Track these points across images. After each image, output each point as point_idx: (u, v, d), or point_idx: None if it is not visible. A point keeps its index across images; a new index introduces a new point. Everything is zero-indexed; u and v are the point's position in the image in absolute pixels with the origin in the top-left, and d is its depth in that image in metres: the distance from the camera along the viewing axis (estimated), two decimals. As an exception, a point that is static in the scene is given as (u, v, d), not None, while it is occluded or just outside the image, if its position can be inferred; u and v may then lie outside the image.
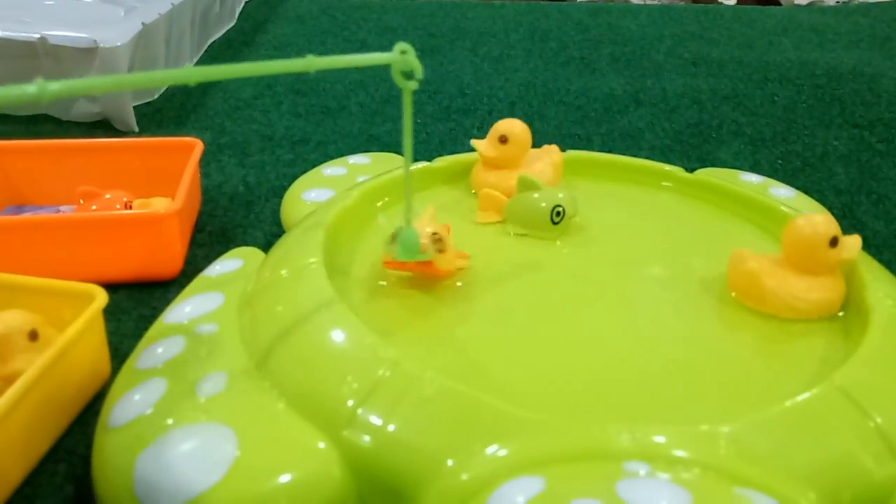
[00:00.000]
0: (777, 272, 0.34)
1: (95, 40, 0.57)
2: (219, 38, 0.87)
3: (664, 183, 0.45)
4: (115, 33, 0.59)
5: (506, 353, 0.31)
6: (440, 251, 0.34)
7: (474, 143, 0.43)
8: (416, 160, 0.53)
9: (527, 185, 0.39)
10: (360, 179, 0.46)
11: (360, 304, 0.33)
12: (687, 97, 0.72)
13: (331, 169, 0.48)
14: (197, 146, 0.48)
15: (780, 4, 2.33)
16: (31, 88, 0.20)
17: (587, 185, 0.45)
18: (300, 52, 0.91)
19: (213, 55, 0.82)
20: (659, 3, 2.20)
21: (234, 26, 0.92)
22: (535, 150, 0.43)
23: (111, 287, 0.42)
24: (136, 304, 0.41)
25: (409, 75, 0.31)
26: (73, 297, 0.34)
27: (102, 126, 0.63)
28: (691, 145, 0.63)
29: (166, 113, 0.66)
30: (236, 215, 0.51)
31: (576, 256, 0.38)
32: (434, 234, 0.33)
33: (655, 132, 0.65)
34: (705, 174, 0.49)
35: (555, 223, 0.38)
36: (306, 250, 0.34)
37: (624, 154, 0.61)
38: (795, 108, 0.70)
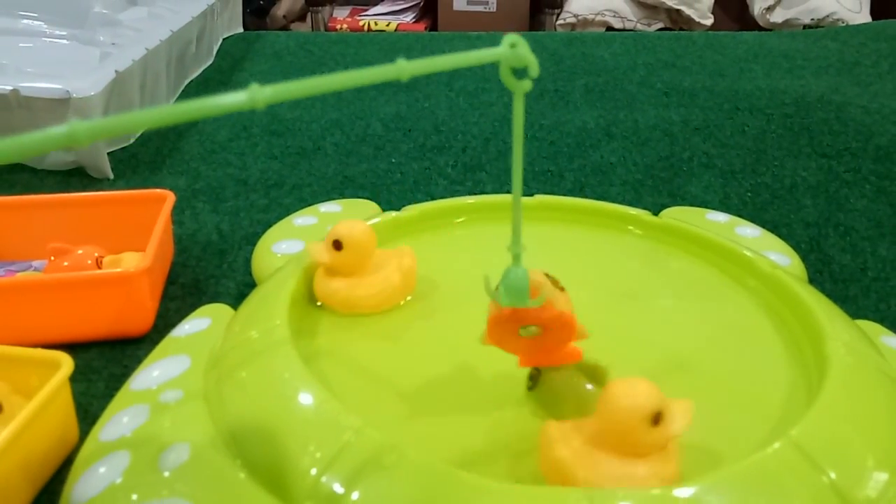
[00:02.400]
0: (590, 457, 0.26)
1: (68, 91, 0.57)
2: (196, 78, 0.88)
3: (630, 227, 0.45)
4: (88, 83, 0.59)
5: (471, 416, 0.31)
6: (561, 290, 0.29)
7: (310, 247, 0.38)
8: (387, 202, 0.54)
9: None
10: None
11: (326, 367, 0.33)
12: (658, 129, 0.73)
13: (302, 219, 0.48)
14: (168, 198, 0.48)
15: (759, 28, 2.36)
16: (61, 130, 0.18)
17: (554, 230, 0.46)
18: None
19: (189, 95, 0.82)
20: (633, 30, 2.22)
21: (211, 64, 0.93)
22: (386, 252, 0.39)
23: (82, 346, 0.42)
24: (106, 363, 0.41)
25: (520, 73, 0.27)
26: (40, 364, 0.34)
27: (77, 174, 0.63)
28: (662, 179, 0.64)
29: (141, 158, 0.66)
30: (209, 265, 0.51)
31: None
32: (548, 274, 0.29)
33: (627, 166, 0.66)
34: (672, 214, 0.50)
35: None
36: (271, 311, 0.34)
37: (596, 189, 0.62)
38: (765, 138, 0.71)
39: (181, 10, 0.84)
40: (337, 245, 0.37)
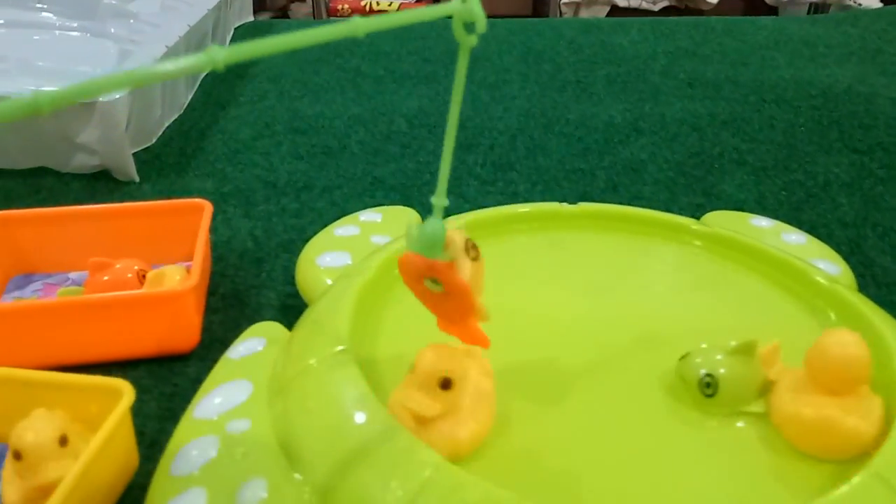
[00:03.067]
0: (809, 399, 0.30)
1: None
2: (210, 71, 0.86)
3: (680, 236, 0.45)
4: (113, 86, 0.58)
5: (556, 446, 0.31)
6: (474, 259, 0.29)
7: (406, 398, 0.30)
8: (420, 205, 0.53)
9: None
10: (375, 240, 0.46)
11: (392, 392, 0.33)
12: (686, 123, 0.73)
13: (342, 229, 0.47)
14: (206, 208, 0.47)
15: (766, 6, 2.33)
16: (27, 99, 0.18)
17: (601, 240, 0.46)
18: (295, 83, 0.90)
19: (206, 90, 0.81)
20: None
21: (225, 56, 0.91)
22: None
23: (129, 363, 0.42)
24: (156, 382, 0.41)
25: (470, 27, 0.27)
26: (100, 391, 0.33)
27: (103, 177, 0.62)
28: (695, 177, 0.63)
29: (166, 159, 0.65)
30: (247, 275, 0.50)
31: (592, 319, 0.38)
32: (468, 239, 0.29)
33: (658, 163, 0.65)
34: (715, 220, 0.49)
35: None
36: (332, 336, 0.34)
37: (629, 189, 0.62)
38: (794, 132, 0.70)
39: (195, 1, 0.83)
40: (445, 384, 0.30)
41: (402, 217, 0.50)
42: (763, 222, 0.49)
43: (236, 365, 0.36)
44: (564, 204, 0.47)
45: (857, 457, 0.29)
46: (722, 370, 0.32)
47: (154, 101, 0.66)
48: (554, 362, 0.35)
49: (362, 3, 2.33)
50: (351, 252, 0.45)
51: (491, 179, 0.63)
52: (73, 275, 0.48)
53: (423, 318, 0.34)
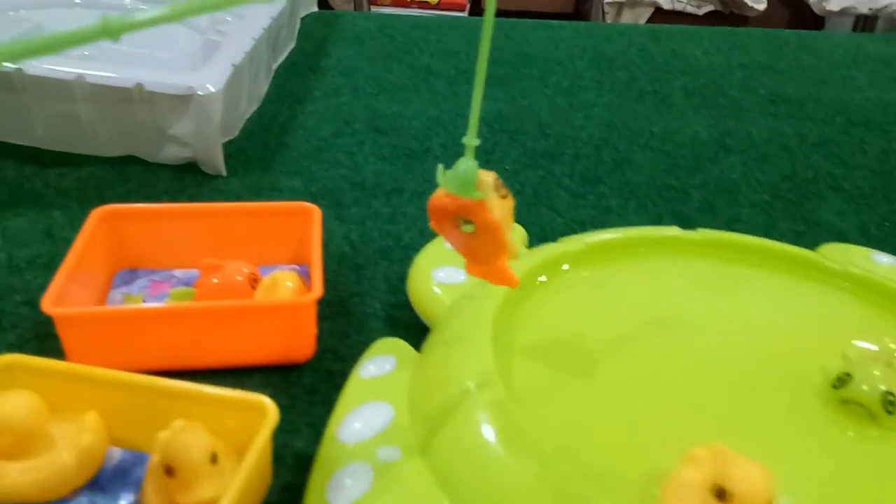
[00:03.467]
0: None
1: (192, 87, 0.56)
2: (283, 62, 0.85)
3: (807, 272, 0.44)
4: (210, 78, 0.57)
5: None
6: (503, 197, 0.30)
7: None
8: (523, 224, 0.52)
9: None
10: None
11: (540, 423, 0.32)
12: (774, 143, 0.71)
13: (454, 241, 0.46)
14: (315, 213, 0.47)
15: (813, 15, 2.29)
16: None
17: (719, 268, 0.44)
18: (368, 80, 0.89)
19: (280, 82, 0.80)
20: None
21: (295, 47, 0.90)
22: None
23: (245, 371, 0.41)
24: (273, 392, 0.40)
25: None
26: (240, 406, 0.33)
27: (191, 169, 0.61)
28: (791, 202, 0.62)
29: (251, 154, 0.64)
30: (348, 281, 0.49)
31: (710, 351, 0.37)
32: (498, 178, 0.30)
33: (751, 184, 0.64)
34: (832, 253, 0.48)
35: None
36: (475, 366, 0.33)
37: (725, 211, 0.60)
38: (888, 159, 0.69)
39: (272, -9, 0.81)
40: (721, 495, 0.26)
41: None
42: (884, 258, 0.48)
43: (369, 385, 0.35)
44: (685, 230, 0.46)
45: None
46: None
47: (241, 93, 0.65)
48: (701, 397, 0.34)
49: (404, -8, 2.31)
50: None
51: (581, 192, 0.62)
52: (178, 272, 0.47)
53: (558, 340, 0.34)
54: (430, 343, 0.37)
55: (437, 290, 0.43)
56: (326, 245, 0.53)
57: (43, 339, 0.43)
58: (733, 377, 0.36)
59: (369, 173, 0.63)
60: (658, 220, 0.59)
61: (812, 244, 0.49)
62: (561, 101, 0.80)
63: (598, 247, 0.43)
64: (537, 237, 0.53)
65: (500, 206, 0.30)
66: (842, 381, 0.33)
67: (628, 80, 0.86)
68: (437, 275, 0.43)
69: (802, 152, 0.70)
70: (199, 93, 0.56)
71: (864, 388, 0.33)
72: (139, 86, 0.55)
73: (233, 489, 0.28)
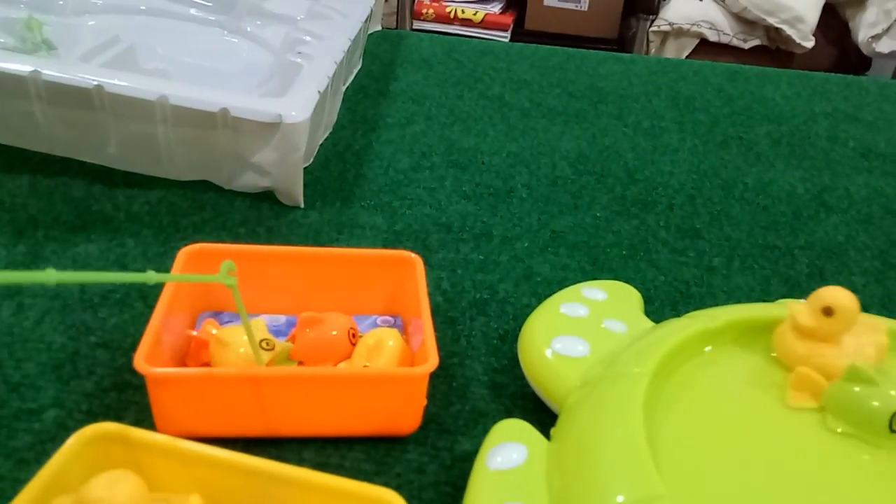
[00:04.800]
0: None
1: (280, 115, 0.52)
2: (351, 84, 0.82)
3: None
4: (298, 107, 0.54)
5: None
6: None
7: (792, 307, 0.37)
8: (617, 273, 0.48)
9: (858, 376, 0.33)
10: (607, 325, 0.41)
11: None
12: (876, 204, 0.67)
13: (568, 307, 0.43)
14: (418, 264, 0.43)
15: (861, 55, 2.26)
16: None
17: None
18: (440, 108, 0.86)
19: (350, 105, 0.77)
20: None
21: (361, 69, 0.87)
22: (859, 327, 0.37)
23: (343, 442, 0.37)
24: (377, 468, 0.36)
25: None
26: (366, 500, 0.29)
27: (268, 198, 0.58)
28: (905, 272, 0.58)
29: (328, 184, 0.61)
30: (446, 339, 0.46)
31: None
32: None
33: (859, 249, 0.60)
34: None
35: (893, 431, 0.33)
36: (634, 476, 0.29)
37: (836, 278, 0.56)
38: None
39: (347, 10, 0.78)
40: (828, 311, 0.36)
41: (627, 297, 0.45)
42: None
43: (500, 480, 0.31)
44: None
45: None
46: None
47: (321, 119, 0.62)
48: None
49: (447, 10, 2.29)
50: (586, 339, 0.40)
51: (680, 248, 0.58)
52: (265, 318, 0.44)
53: (707, 430, 0.30)
54: (566, 434, 0.33)
55: (554, 361, 0.39)
56: (417, 294, 0.49)
57: (122, 389, 0.39)
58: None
59: (454, 213, 0.59)
60: (766, 284, 0.55)
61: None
62: (644, 143, 0.76)
63: (737, 325, 0.39)
64: (642, 297, 0.49)
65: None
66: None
67: (710, 124, 0.82)
68: (555, 345, 0.40)
69: (908, 215, 0.66)
70: (287, 121, 0.52)
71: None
72: (224, 111, 0.52)
73: None
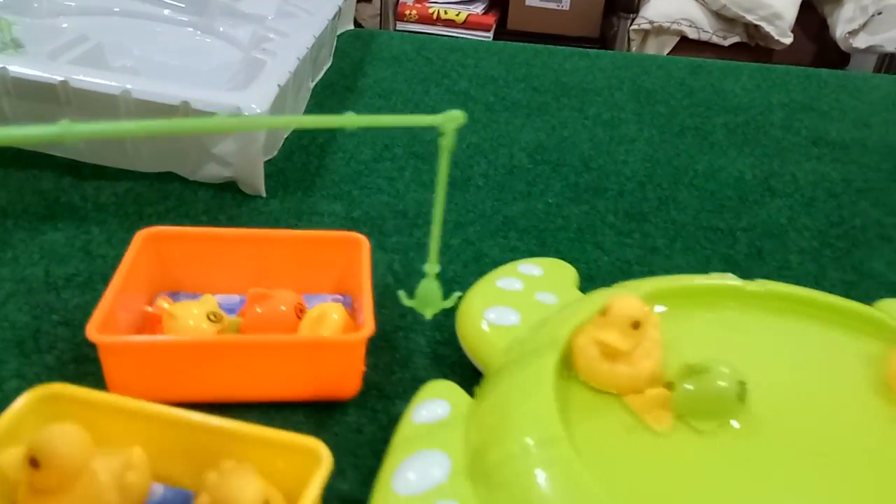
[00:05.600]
0: None
1: (239, 107, 0.55)
2: (321, 80, 0.84)
3: (864, 327, 0.42)
4: (256, 98, 0.56)
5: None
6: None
7: (600, 334, 0.35)
8: (561, 254, 0.51)
9: (691, 371, 0.34)
10: (539, 298, 0.44)
11: (586, 415, 0.31)
12: (820, 188, 0.70)
13: (504, 281, 0.45)
14: (364, 244, 0.45)
15: (839, 51, 2.28)
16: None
17: (779, 322, 0.43)
18: (406, 103, 0.89)
19: (318, 101, 0.79)
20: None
21: (332, 66, 0.89)
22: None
23: (286, 406, 0.40)
24: (316, 429, 0.39)
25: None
26: (294, 451, 0.31)
27: (230, 188, 0.60)
28: (840, 250, 0.60)
29: (290, 175, 0.64)
30: (392, 314, 0.48)
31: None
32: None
33: (798, 230, 0.63)
34: (889, 308, 0.46)
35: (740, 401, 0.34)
36: (535, 422, 0.31)
37: (775, 256, 0.59)
38: (938, 209, 0.67)
39: (314, 9, 0.81)
40: (636, 325, 0.35)
41: (562, 273, 0.48)
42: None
43: (423, 432, 0.34)
44: (744, 281, 0.44)
45: None
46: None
47: (283, 113, 0.64)
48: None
49: (429, 11, 2.32)
50: (517, 310, 0.42)
51: (626, 230, 0.61)
52: (219, 297, 0.46)
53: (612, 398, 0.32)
54: (487, 391, 0.36)
55: (488, 331, 0.41)
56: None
57: (81, 362, 0.42)
58: (799, 441, 0.34)
59: (411, 201, 0.62)
60: (706, 263, 0.57)
61: (865, 296, 0.47)
62: (602, 133, 0.79)
63: (659, 294, 0.42)
64: (584, 276, 0.52)
65: None
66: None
67: (668, 115, 0.84)
68: (489, 315, 0.42)
69: (849, 198, 0.68)
70: (246, 113, 0.55)
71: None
72: (185, 104, 0.54)
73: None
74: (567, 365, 0.36)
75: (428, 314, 0.36)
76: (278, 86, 0.60)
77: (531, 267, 0.47)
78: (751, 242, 0.60)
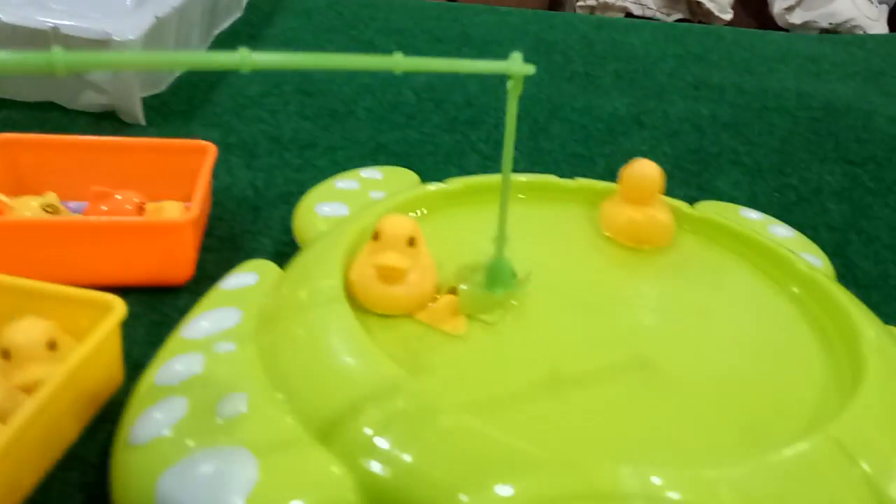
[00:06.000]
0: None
1: (109, 32, 0.57)
2: (225, 29, 0.87)
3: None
4: (129, 26, 0.58)
5: (522, 389, 0.32)
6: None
7: (377, 259, 0.35)
8: (421, 172, 0.54)
9: (469, 269, 0.37)
10: (373, 195, 0.47)
11: (379, 329, 0.34)
12: (688, 122, 0.74)
13: (343, 182, 0.48)
14: (210, 150, 0.48)
15: (777, 27, 2.34)
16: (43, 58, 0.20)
17: (591, 213, 0.46)
18: (307, 48, 0.91)
19: (218, 47, 0.81)
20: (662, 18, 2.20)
21: (241, 17, 0.91)
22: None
23: (121, 291, 0.42)
24: (146, 310, 0.42)
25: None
26: (91, 305, 0.34)
27: (109, 117, 0.62)
28: (691, 172, 0.64)
29: (174, 107, 0.66)
30: (244, 220, 0.51)
31: (576, 291, 0.39)
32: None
33: (657, 156, 0.66)
34: (706, 208, 0.50)
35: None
36: (325, 271, 0.35)
37: (626, 178, 0.62)
38: (792, 139, 0.72)
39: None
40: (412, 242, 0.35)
41: (402, 177, 0.51)
42: (752, 214, 0.50)
43: (227, 294, 0.37)
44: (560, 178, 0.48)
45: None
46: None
47: (167, 48, 0.67)
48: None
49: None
50: (349, 205, 0.45)
51: (493, 155, 0.64)
52: (72, 204, 0.48)
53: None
54: (291, 261, 0.39)
55: (318, 222, 0.44)
56: (229, 188, 0.54)
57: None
58: (572, 306, 0.38)
59: (288, 129, 0.65)
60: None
61: (699, 207, 0.51)
62: (493, 77, 0.82)
63: (472, 188, 0.45)
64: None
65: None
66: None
67: (563, 63, 0.88)
68: (322, 209, 0.45)
69: (713, 131, 0.72)
70: (117, 39, 0.57)
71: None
72: (55, 28, 0.56)
73: (62, 368, 0.30)
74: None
75: (498, 293, 0.35)
76: (156, 17, 0.62)
77: (373, 172, 0.50)
78: (607, 165, 0.64)
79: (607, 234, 0.44)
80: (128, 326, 0.40)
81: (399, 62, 0.27)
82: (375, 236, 0.35)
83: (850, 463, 0.28)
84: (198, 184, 0.44)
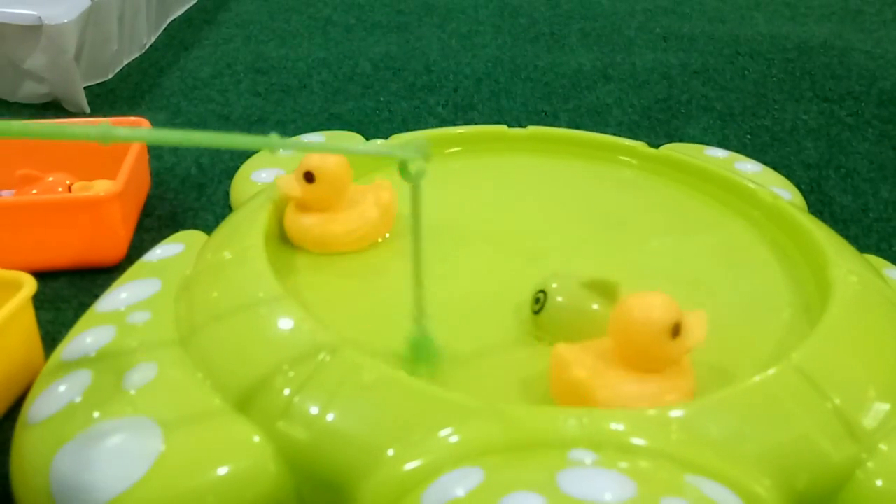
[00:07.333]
0: (608, 377, 0.25)
1: (40, 17, 0.55)
2: (180, 16, 0.84)
3: (625, 158, 0.43)
4: (62, 10, 0.56)
5: (471, 343, 0.30)
6: None
7: (279, 181, 0.35)
8: (373, 138, 0.51)
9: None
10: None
11: (301, 287, 0.32)
12: (656, 72, 0.71)
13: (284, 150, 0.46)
14: (143, 125, 0.46)
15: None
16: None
17: (547, 161, 0.44)
18: (263, 30, 0.88)
19: (171, 34, 0.79)
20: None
21: (196, 3, 0.89)
22: (362, 187, 0.36)
23: (51, 274, 0.40)
24: (76, 292, 0.39)
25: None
26: (1, 285, 0.32)
27: (53, 108, 0.60)
28: (659, 121, 0.62)
29: (120, 94, 0.64)
30: (187, 198, 0.49)
31: (527, 228, 0.37)
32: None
33: (623, 108, 0.64)
34: (670, 150, 0.48)
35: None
36: (245, 234, 0.32)
37: (591, 130, 0.60)
38: (766, 82, 0.69)
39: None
40: (308, 177, 0.33)
41: (344, 140, 0.49)
42: (718, 152, 0.48)
43: (150, 266, 0.35)
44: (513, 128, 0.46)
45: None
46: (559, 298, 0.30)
47: (110, 35, 0.64)
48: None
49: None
50: (287, 170, 0.43)
51: (451, 119, 0.62)
52: (4, 192, 0.46)
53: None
54: (218, 227, 0.36)
55: (254, 188, 0.42)
56: (173, 168, 0.52)
57: None
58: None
59: (238, 107, 0.62)
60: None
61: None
62: (455, 43, 0.79)
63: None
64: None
65: None
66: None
67: (527, 25, 0.85)
68: (259, 175, 0.43)
69: (683, 80, 0.70)
70: (49, 23, 0.55)
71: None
72: (-17, 14, 0.54)
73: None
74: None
75: (421, 371, 0.28)
76: (91, 0, 0.59)
77: (316, 137, 0.48)
78: (570, 120, 0.61)
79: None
80: (56, 310, 0.38)
81: (274, 142, 0.24)
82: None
83: (818, 395, 0.26)
84: (126, 157, 0.42)
